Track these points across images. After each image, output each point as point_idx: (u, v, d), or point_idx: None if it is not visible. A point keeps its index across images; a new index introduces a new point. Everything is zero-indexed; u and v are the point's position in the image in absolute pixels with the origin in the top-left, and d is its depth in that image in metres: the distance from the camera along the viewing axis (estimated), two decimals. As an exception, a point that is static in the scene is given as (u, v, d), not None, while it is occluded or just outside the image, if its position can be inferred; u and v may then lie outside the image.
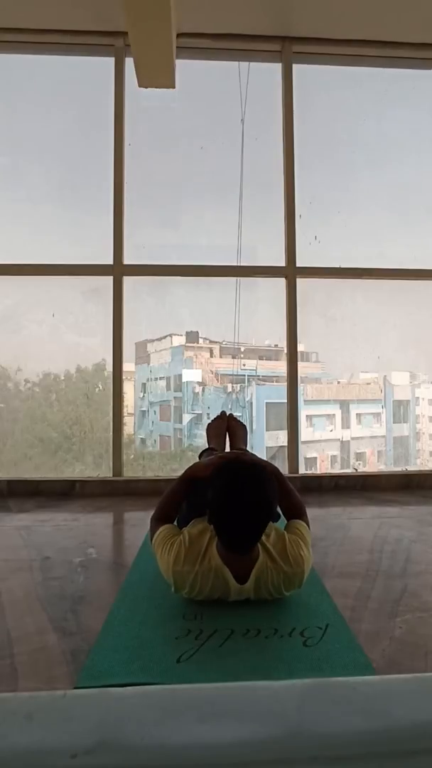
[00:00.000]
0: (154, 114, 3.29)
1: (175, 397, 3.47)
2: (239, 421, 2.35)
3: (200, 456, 2.28)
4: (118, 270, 3.04)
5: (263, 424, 3.23)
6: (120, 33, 3.05)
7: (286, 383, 3.08)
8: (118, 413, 3.03)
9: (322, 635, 1.16)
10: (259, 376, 3.43)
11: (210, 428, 2.31)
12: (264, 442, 3.24)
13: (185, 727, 0.67)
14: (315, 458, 3.41)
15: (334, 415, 3.53)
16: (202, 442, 2.67)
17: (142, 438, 3.50)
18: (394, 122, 3.45)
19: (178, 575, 1.28)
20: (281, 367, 3.20)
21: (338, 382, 3.60)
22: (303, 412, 3.29)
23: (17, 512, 2.46)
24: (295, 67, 3.20)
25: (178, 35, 2.94)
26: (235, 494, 1.22)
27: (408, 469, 3.31)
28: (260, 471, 1.29)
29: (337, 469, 3.43)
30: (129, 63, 3.06)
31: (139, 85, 3.01)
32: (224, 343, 3.46)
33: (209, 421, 2.39)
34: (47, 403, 3.31)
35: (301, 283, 3.12)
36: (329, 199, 3.35)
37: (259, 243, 3.30)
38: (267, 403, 3.34)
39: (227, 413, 2.37)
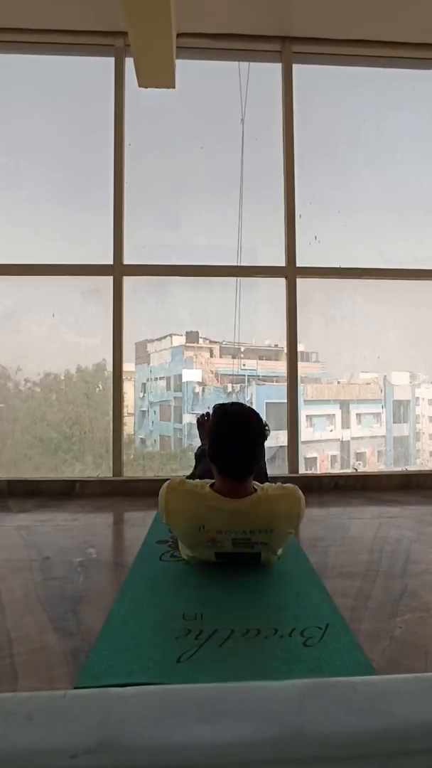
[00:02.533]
0: (154, 114, 3.29)
1: (175, 397, 3.47)
2: None
3: (197, 460, 2.32)
4: (118, 270, 3.04)
5: (263, 424, 3.23)
6: (120, 33, 3.05)
7: (286, 383, 3.08)
8: (118, 413, 3.03)
9: (322, 635, 1.16)
10: (259, 376, 3.43)
11: (202, 426, 2.33)
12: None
13: (185, 727, 0.67)
14: (315, 458, 3.41)
15: (334, 415, 3.53)
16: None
17: (142, 438, 3.50)
18: (394, 122, 3.45)
19: (171, 492, 1.50)
20: (281, 367, 3.20)
21: (338, 382, 3.60)
22: (303, 412, 3.29)
23: (17, 512, 2.46)
24: (295, 67, 3.20)
25: (178, 35, 2.94)
26: (230, 420, 1.46)
27: (408, 469, 3.31)
28: (250, 407, 1.54)
29: (337, 469, 3.43)
30: (129, 63, 3.06)
31: (139, 85, 3.01)
32: (224, 343, 3.46)
33: (198, 417, 2.40)
34: (47, 403, 3.31)
35: (301, 283, 3.12)
36: (329, 199, 3.35)
37: (259, 243, 3.30)
38: (267, 403, 3.34)
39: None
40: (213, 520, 1.44)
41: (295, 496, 1.52)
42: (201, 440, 2.35)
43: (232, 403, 1.56)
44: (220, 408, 1.53)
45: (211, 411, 2.21)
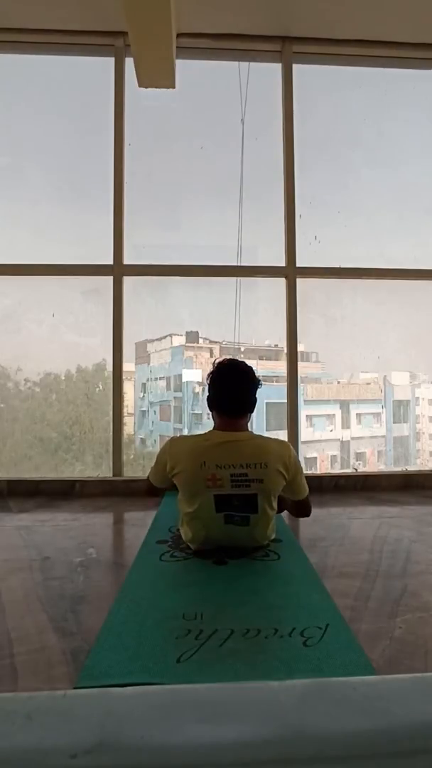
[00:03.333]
0: (154, 114, 3.29)
1: (175, 397, 3.47)
2: None
3: None
4: (118, 270, 3.04)
5: (263, 424, 3.23)
6: (120, 33, 3.05)
7: (286, 383, 3.08)
8: (118, 413, 3.03)
9: (322, 635, 1.16)
10: (259, 376, 3.43)
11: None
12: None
13: (185, 727, 0.67)
14: (315, 458, 3.41)
15: (334, 415, 3.53)
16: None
17: (142, 438, 3.50)
18: (394, 122, 3.45)
19: (176, 440, 1.72)
20: (281, 367, 3.20)
21: (338, 382, 3.60)
22: (303, 412, 3.29)
23: (17, 512, 2.46)
24: (295, 67, 3.20)
25: (178, 35, 2.94)
26: (225, 367, 1.70)
27: (408, 469, 3.31)
28: (243, 362, 1.76)
29: (337, 469, 3.43)
30: (129, 63, 3.06)
31: (139, 85, 3.01)
32: (224, 343, 3.46)
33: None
34: (47, 403, 3.31)
35: (301, 283, 3.12)
36: (329, 199, 3.35)
37: (259, 243, 3.30)
38: (267, 403, 3.34)
39: None
40: (212, 455, 1.59)
41: (284, 443, 1.72)
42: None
43: (228, 358, 1.78)
44: (219, 363, 1.75)
45: None
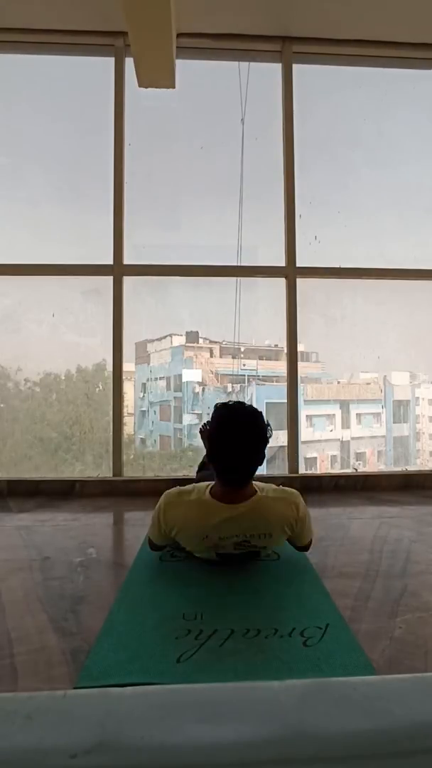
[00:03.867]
0: (154, 114, 3.29)
1: (175, 397, 3.47)
2: None
3: (199, 469, 2.34)
4: (118, 270, 3.04)
5: (263, 424, 3.23)
6: (120, 33, 3.05)
7: (286, 383, 3.08)
8: (118, 413, 3.03)
9: (322, 635, 1.16)
10: (259, 376, 3.43)
11: (204, 436, 2.35)
12: (264, 442, 3.24)
13: (185, 727, 0.67)
14: (315, 458, 3.41)
15: (334, 415, 3.53)
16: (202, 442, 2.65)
17: (142, 438, 3.50)
18: (395, 122, 3.45)
19: (169, 505, 1.49)
20: (281, 367, 3.20)
21: (338, 382, 3.60)
22: (303, 412, 3.29)
23: (17, 512, 2.46)
24: (295, 67, 3.20)
25: (178, 35, 2.94)
26: (230, 423, 1.40)
27: (408, 469, 3.31)
28: (252, 408, 1.46)
29: (337, 469, 3.43)
30: (129, 63, 3.06)
31: (139, 85, 3.01)
32: (224, 343, 3.46)
33: (201, 427, 2.33)
34: (47, 403, 3.31)
35: (301, 283, 3.12)
36: (329, 199, 3.34)
37: (259, 243, 3.30)
38: (267, 403, 3.34)
39: None
40: (213, 530, 1.45)
41: (291, 501, 1.50)
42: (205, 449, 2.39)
43: (234, 403, 1.48)
44: (220, 408, 1.46)
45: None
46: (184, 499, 1.48)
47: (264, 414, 1.45)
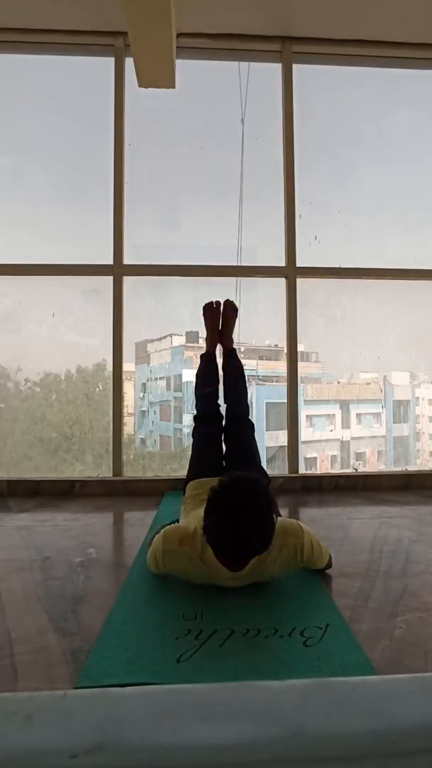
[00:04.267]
0: (154, 114, 3.29)
1: (175, 397, 3.47)
2: (232, 306, 2.47)
3: (201, 359, 2.45)
4: (118, 270, 3.04)
5: (263, 424, 3.23)
6: (120, 33, 3.05)
7: (286, 383, 3.08)
8: (118, 413, 3.03)
9: (322, 635, 1.16)
10: (259, 376, 3.43)
11: (206, 316, 2.48)
12: (264, 442, 3.24)
13: (185, 727, 0.67)
14: (315, 458, 3.41)
15: (334, 415, 3.53)
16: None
17: (142, 438, 3.50)
18: (395, 122, 3.45)
19: (170, 554, 1.38)
20: (281, 367, 3.20)
21: (338, 382, 3.60)
22: (303, 412, 3.29)
23: (17, 512, 2.46)
24: (295, 67, 3.20)
25: (178, 35, 2.94)
26: (231, 498, 1.22)
27: (408, 469, 3.31)
28: (254, 490, 1.25)
29: (337, 469, 3.43)
30: (129, 63, 3.06)
31: (139, 85, 3.01)
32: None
33: (206, 304, 2.48)
34: (47, 403, 3.31)
35: (301, 283, 3.12)
36: (329, 199, 3.34)
37: (259, 243, 3.30)
38: (267, 403, 3.34)
39: (221, 302, 2.47)
40: (217, 581, 1.36)
41: (294, 542, 1.37)
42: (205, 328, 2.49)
43: (237, 477, 1.29)
44: (222, 482, 1.27)
45: (216, 302, 2.44)
46: (185, 551, 1.35)
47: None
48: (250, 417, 2.29)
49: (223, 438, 2.20)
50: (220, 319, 2.46)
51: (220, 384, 2.37)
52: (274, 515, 1.25)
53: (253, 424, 2.25)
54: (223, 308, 2.47)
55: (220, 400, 2.33)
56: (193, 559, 1.33)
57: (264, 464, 2.20)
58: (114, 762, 0.63)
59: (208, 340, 2.47)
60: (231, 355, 2.44)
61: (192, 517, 1.54)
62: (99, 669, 1.04)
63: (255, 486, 1.27)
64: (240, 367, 2.41)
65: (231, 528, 1.19)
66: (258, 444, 2.22)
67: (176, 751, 0.65)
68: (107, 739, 0.64)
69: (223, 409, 2.30)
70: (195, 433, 2.26)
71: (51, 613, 1.32)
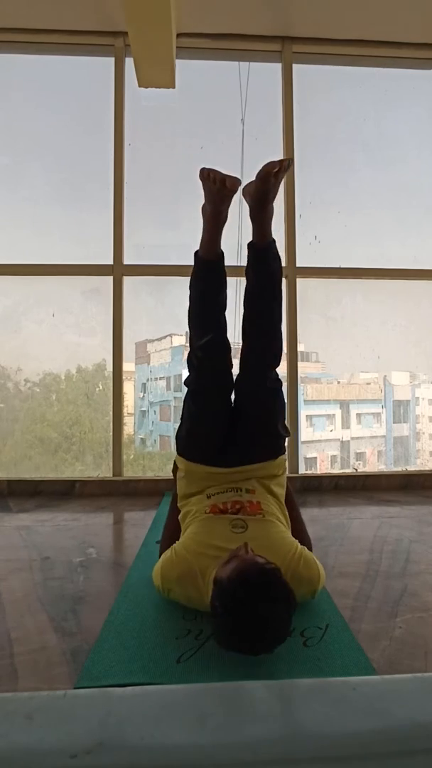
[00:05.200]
0: (154, 114, 3.29)
1: (175, 397, 3.47)
2: (273, 170, 1.50)
3: (194, 273, 1.65)
4: (118, 270, 3.04)
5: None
6: (120, 33, 3.05)
7: (286, 383, 3.08)
8: (118, 413, 3.03)
9: (322, 635, 1.16)
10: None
11: (206, 185, 1.64)
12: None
13: (185, 727, 0.67)
14: (315, 458, 3.41)
15: (334, 415, 3.53)
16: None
17: (142, 438, 3.50)
18: (395, 122, 3.45)
19: (170, 592, 1.29)
20: (281, 367, 3.20)
21: (338, 382, 3.60)
22: (303, 412, 3.29)
23: (17, 512, 2.46)
24: (295, 67, 3.20)
25: (178, 35, 2.94)
26: (248, 597, 0.97)
27: (408, 469, 3.32)
28: (272, 594, 0.99)
29: (337, 469, 3.43)
30: (129, 63, 3.06)
31: (139, 85, 3.01)
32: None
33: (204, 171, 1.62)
34: (47, 403, 3.31)
35: (301, 283, 3.12)
36: (329, 199, 3.34)
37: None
38: (267, 403, 3.34)
39: (234, 180, 1.54)
40: None
41: (301, 594, 1.22)
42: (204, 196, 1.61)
43: (250, 570, 1.02)
44: (231, 578, 1.02)
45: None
46: (184, 592, 1.25)
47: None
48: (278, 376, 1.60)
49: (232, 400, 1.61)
50: (229, 201, 1.60)
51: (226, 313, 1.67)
52: (292, 609, 1.04)
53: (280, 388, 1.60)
54: (258, 180, 1.54)
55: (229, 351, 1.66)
56: (192, 599, 1.23)
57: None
58: (114, 762, 0.63)
59: (205, 235, 1.62)
60: (264, 254, 1.58)
61: (190, 541, 1.32)
62: (99, 669, 1.04)
63: (272, 589, 1.00)
64: (278, 278, 1.61)
65: (245, 643, 1.00)
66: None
67: (176, 751, 0.65)
68: (107, 739, 0.64)
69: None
70: (187, 403, 1.59)
71: (51, 613, 1.32)
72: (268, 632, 0.99)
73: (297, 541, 1.34)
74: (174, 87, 3.04)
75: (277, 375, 1.59)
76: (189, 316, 1.65)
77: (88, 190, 3.30)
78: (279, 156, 3.17)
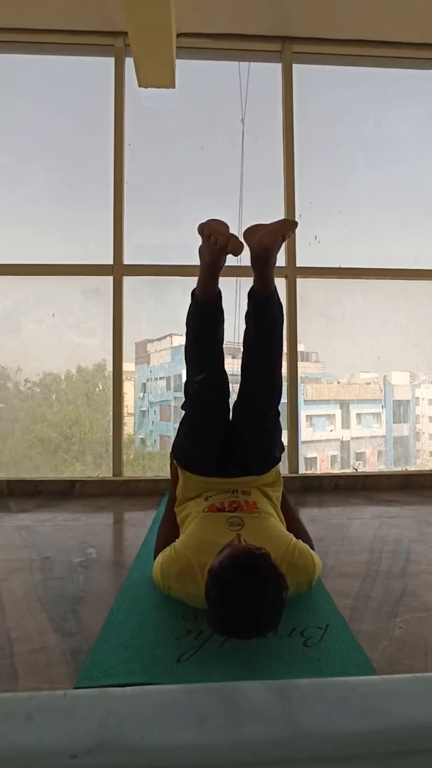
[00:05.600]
0: (154, 114, 3.29)
1: (175, 397, 3.47)
2: (282, 227, 1.42)
3: (190, 311, 1.60)
4: (118, 270, 3.04)
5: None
6: (120, 33, 3.05)
7: (286, 383, 3.08)
8: (118, 413, 3.03)
9: (322, 635, 1.16)
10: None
11: (205, 242, 1.56)
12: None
13: (185, 727, 0.67)
14: (315, 458, 3.41)
15: (334, 415, 3.53)
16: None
17: (142, 438, 3.50)
18: (395, 122, 3.45)
19: (170, 589, 1.31)
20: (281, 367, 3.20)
21: (338, 382, 3.60)
22: (303, 412, 3.29)
23: (17, 512, 2.46)
24: (295, 67, 3.20)
25: (178, 35, 2.94)
26: (235, 579, 1.02)
27: (408, 469, 3.32)
28: (261, 578, 1.03)
29: (337, 469, 3.43)
30: (129, 63, 3.06)
31: (139, 85, 3.01)
32: (224, 343, 3.46)
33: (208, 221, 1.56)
34: (47, 403, 3.31)
35: (301, 283, 3.12)
36: (329, 199, 3.35)
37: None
38: (267, 403, 3.34)
39: (231, 237, 1.44)
40: None
41: (297, 583, 1.26)
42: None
43: (238, 555, 1.07)
44: (221, 562, 1.07)
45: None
46: (183, 588, 1.28)
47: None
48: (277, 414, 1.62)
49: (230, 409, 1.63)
50: (224, 256, 1.54)
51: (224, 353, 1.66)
52: (283, 592, 1.06)
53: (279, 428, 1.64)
54: (263, 235, 1.43)
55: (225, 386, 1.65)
56: (191, 595, 1.24)
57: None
58: (114, 762, 0.63)
59: (202, 277, 1.59)
60: (266, 304, 1.53)
61: (189, 538, 1.35)
62: (99, 669, 1.04)
63: (262, 572, 1.04)
64: (279, 326, 1.55)
65: (237, 626, 1.04)
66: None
67: (176, 751, 0.65)
68: (107, 739, 0.64)
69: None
70: (183, 425, 1.62)
71: (51, 613, 1.32)
72: (258, 614, 1.02)
73: (292, 534, 1.38)
74: (174, 87, 3.04)
75: (277, 412, 1.61)
76: (186, 351, 1.63)
77: (88, 190, 3.30)
78: (279, 155, 3.17)
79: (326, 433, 3.49)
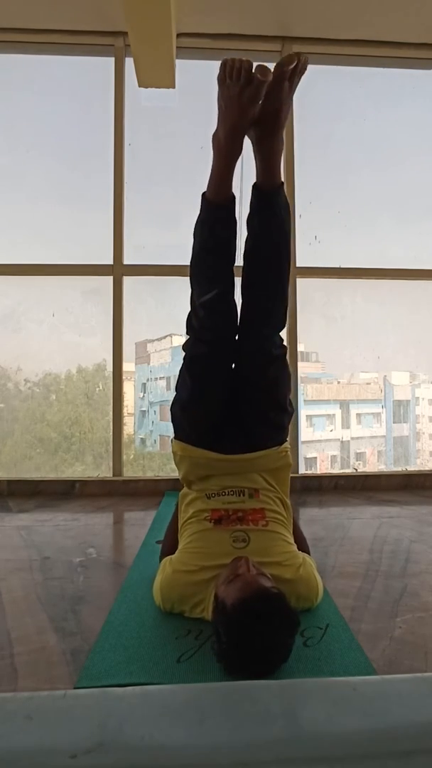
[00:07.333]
0: (154, 114, 3.29)
1: (175, 397, 3.47)
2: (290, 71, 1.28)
3: (199, 219, 1.48)
4: (118, 270, 3.04)
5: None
6: (120, 33, 3.05)
7: (286, 383, 3.08)
8: (118, 413, 3.03)
9: (322, 635, 1.16)
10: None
11: (224, 93, 1.39)
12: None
13: (185, 727, 0.67)
14: (315, 458, 3.41)
15: (334, 415, 3.53)
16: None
17: (142, 438, 3.50)
18: (394, 122, 3.45)
19: (168, 610, 1.26)
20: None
21: (338, 382, 3.60)
22: (303, 412, 3.29)
23: (17, 512, 2.46)
24: (295, 67, 3.19)
25: (178, 35, 2.94)
26: (252, 618, 0.94)
27: (408, 469, 3.32)
28: (276, 620, 0.95)
29: (337, 469, 3.43)
30: (129, 63, 3.06)
31: (139, 85, 3.01)
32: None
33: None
34: (47, 403, 3.31)
35: (301, 283, 3.12)
36: (329, 199, 3.34)
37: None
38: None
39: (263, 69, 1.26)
40: None
41: (301, 601, 1.23)
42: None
43: (251, 593, 0.98)
44: (234, 603, 0.97)
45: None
46: (185, 609, 1.24)
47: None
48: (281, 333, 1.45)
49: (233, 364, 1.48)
50: (257, 105, 1.31)
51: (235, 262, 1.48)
52: (296, 629, 1.00)
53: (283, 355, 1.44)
54: (276, 77, 1.28)
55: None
56: (195, 612, 1.22)
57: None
58: (114, 762, 0.63)
59: (216, 169, 1.41)
60: (273, 200, 1.37)
61: (190, 557, 1.27)
62: (99, 669, 1.03)
63: (276, 618, 0.96)
64: (287, 232, 1.40)
65: (248, 669, 0.95)
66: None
67: (176, 751, 0.64)
68: (107, 738, 0.64)
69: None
70: (182, 373, 1.52)
71: (51, 613, 1.32)
72: (271, 658, 0.98)
73: (300, 554, 1.31)
74: (174, 87, 3.04)
75: (281, 340, 1.45)
76: (191, 269, 1.42)
77: (88, 190, 3.30)
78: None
79: (326, 433, 3.49)
